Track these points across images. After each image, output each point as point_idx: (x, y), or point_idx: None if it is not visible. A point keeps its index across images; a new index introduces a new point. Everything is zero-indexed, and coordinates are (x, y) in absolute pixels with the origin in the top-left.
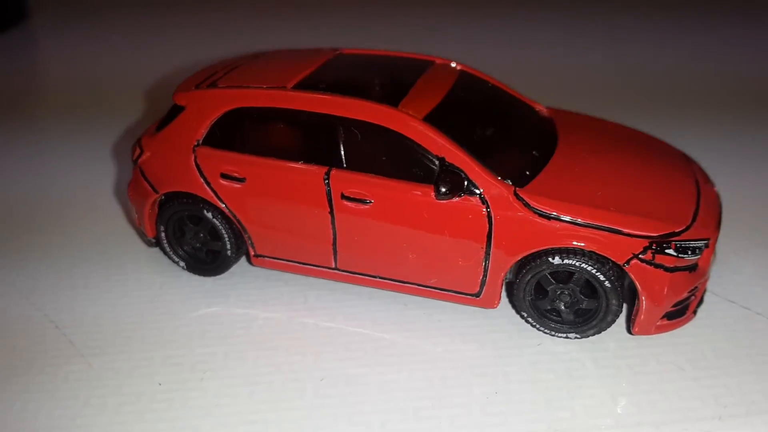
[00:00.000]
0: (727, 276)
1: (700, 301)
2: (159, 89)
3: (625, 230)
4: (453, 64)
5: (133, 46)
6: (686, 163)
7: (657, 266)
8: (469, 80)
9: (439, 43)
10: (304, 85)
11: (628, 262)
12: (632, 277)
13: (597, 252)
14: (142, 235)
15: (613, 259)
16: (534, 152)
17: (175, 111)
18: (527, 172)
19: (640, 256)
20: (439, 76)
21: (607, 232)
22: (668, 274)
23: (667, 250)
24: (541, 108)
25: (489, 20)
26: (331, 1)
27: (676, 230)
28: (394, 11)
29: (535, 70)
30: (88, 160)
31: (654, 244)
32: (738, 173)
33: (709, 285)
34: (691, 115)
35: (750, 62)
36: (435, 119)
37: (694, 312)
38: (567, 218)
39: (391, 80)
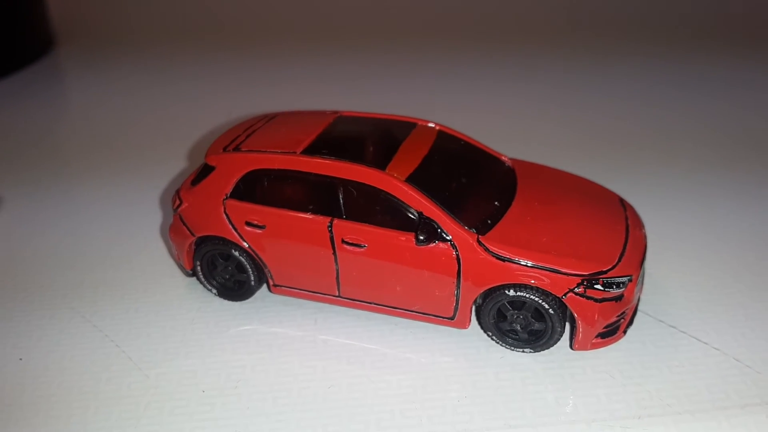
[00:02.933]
0: (659, 299)
1: (630, 323)
2: (190, 122)
3: (563, 270)
4: (431, 125)
5: (157, 74)
6: (620, 208)
7: (588, 298)
8: (445, 140)
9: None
10: (310, 150)
11: (565, 294)
12: (569, 306)
13: (541, 287)
14: (181, 267)
15: (553, 292)
16: (496, 203)
17: (207, 169)
18: (489, 221)
19: (574, 290)
20: (420, 138)
21: (549, 272)
22: (597, 303)
23: (595, 286)
24: (505, 159)
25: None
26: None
27: (604, 269)
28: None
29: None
30: (132, 204)
31: (585, 281)
32: (672, 213)
33: (643, 306)
34: (638, 160)
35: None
36: (416, 179)
37: (624, 332)
38: (518, 260)
39: (381, 143)
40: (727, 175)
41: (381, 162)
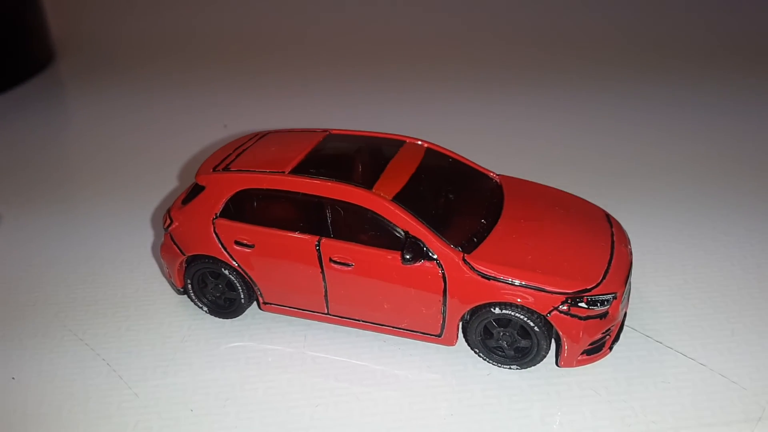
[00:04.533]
0: (646, 314)
1: (616, 339)
2: (186, 138)
3: (548, 288)
4: (419, 143)
5: (155, 88)
6: (606, 224)
7: (573, 316)
8: (433, 157)
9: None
10: (298, 170)
11: (550, 312)
12: (553, 324)
13: (526, 305)
14: (172, 285)
15: (538, 310)
16: (482, 220)
17: (198, 189)
18: (475, 239)
19: (559, 308)
20: (407, 156)
21: (533, 290)
22: (582, 321)
23: (579, 304)
24: (493, 175)
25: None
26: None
27: (588, 287)
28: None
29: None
30: (125, 223)
31: (569, 299)
32: (659, 228)
33: (630, 321)
34: (626, 176)
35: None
36: (402, 198)
37: (610, 348)
38: (503, 279)
39: (369, 162)
40: (714, 190)
41: (369, 181)
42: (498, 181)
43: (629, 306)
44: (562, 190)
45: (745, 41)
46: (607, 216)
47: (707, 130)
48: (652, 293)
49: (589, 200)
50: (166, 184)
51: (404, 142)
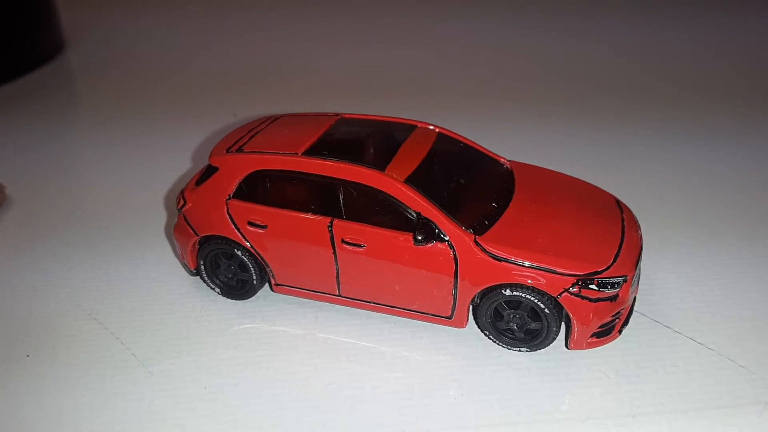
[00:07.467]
0: (655, 299)
1: (625, 323)
2: (195, 123)
3: (558, 270)
4: (431, 127)
5: (164, 76)
6: (617, 209)
7: (583, 297)
8: (444, 142)
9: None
10: (311, 151)
11: (560, 294)
12: (564, 306)
13: (537, 287)
14: (185, 267)
15: (549, 292)
16: (493, 204)
17: (211, 170)
18: (486, 222)
19: (570, 290)
20: (419, 140)
21: (544, 272)
22: (592, 303)
23: (590, 286)
24: (504, 161)
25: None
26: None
27: (599, 269)
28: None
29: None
30: (138, 204)
31: (580, 281)
32: (670, 214)
33: (639, 306)
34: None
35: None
36: (414, 180)
37: (620, 332)
38: (514, 261)
39: (381, 145)
40: (724, 178)
41: (381, 163)
42: (509, 166)
43: (638, 291)
44: (572, 176)
45: None
46: (618, 201)
47: (713, 124)
48: (661, 279)
49: (600, 186)
50: (180, 165)
51: (416, 126)
